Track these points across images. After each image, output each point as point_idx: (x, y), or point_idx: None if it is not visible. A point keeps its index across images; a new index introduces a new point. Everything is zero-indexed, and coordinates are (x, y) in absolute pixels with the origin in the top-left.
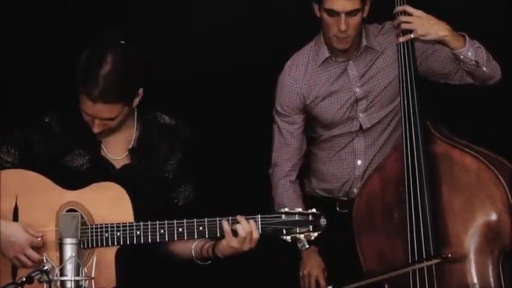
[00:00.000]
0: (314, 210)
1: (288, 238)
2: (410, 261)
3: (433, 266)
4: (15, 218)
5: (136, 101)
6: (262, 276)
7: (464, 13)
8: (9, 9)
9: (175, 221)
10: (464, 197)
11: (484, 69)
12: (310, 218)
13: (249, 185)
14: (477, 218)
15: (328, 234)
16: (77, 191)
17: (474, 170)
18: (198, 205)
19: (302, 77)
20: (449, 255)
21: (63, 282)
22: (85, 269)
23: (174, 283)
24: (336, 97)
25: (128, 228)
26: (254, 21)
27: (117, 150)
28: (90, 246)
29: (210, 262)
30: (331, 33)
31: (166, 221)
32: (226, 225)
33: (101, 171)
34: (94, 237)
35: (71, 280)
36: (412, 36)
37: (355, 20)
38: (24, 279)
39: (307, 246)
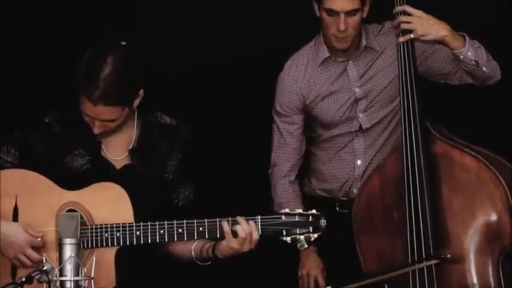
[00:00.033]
0: (314, 211)
1: (288, 239)
2: (410, 261)
3: (433, 266)
4: (15, 218)
5: (137, 102)
6: (262, 277)
7: (464, 13)
8: (9, 9)
9: (175, 222)
10: (464, 197)
11: (484, 69)
12: (310, 219)
13: (249, 185)
14: (477, 218)
15: (328, 235)
16: (77, 191)
17: (474, 170)
18: (198, 205)
19: (302, 77)
20: (448, 256)
21: (62, 282)
22: (84, 269)
23: (174, 284)
24: (335, 97)
25: (127, 228)
26: (254, 21)
27: (117, 151)
28: (89, 246)
29: (209, 263)
30: (330, 33)
31: (166, 222)
32: (226, 226)
33: (101, 172)
34: (94, 237)
35: (71, 280)
36: (411, 36)
37: (355, 19)
38: (23, 279)
39: (306, 246)
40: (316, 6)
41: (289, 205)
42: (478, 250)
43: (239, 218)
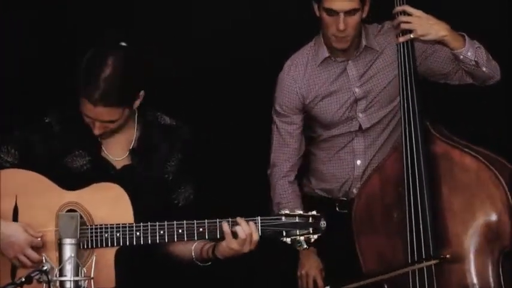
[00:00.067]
0: (314, 212)
1: (288, 240)
2: (410, 261)
3: (433, 267)
4: (15, 218)
5: (137, 103)
6: (262, 277)
7: (464, 13)
8: (9, 9)
9: (175, 222)
10: (464, 197)
11: (484, 69)
12: (311, 220)
13: (249, 185)
14: (477, 218)
15: (328, 235)
16: (77, 192)
17: (474, 170)
18: (198, 206)
19: (301, 76)
20: (448, 256)
21: (62, 283)
22: (84, 269)
23: (174, 284)
24: (335, 97)
25: (127, 229)
26: (254, 21)
27: (117, 151)
28: (89, 246)
29: (209, 263)
30: (330, 33)
31: (166, 222)
32: (226, 227)
33: (101, 172)
34: (94, 237)
35: (70, 280)
36: (411, 36)
37: (354, 19)
38: (23, 279)
39: (305, 246)
40: (315, 6)
41: (289, 205)
42: (478, 250)
43: (239, 219)
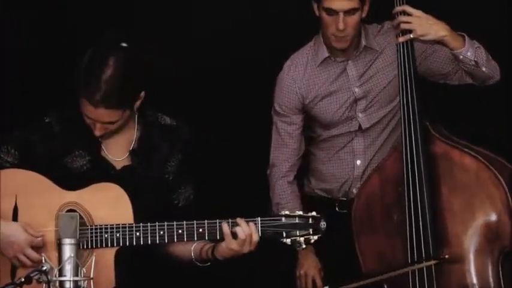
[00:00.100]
0: (314, 213)
1: (288, 241)
2: (409, 261)
3: (433, 267)
4: (15, 218)
5: (138, 103)
6: (261, 278)
7: (464, 13)
8: (9, 9)
9: (175, 223)
10: (464, 197)
11: (484, 69)
12: (310, 221)
13: (249, 186)
14: (477, 218)
15: (328, 235)
16: (77, 192)
17: (473, 170)
18: (198, 206)
19: (301, 76)
20: (447, 256)
21: (61, 283)
22: (84, 269)
23: (174, 284)
24: (335, 97)
25: (127, 229)
26: (254, 21)
27: (117, 151)
28: (89, 246)
29: (209, 264)
30: (329, 32)
31: (166, 223)
32: (226, 228)
33: (101, 172)
34: (93, 238)
35: (70, 280)
36: (411, 36)
37: (354, 19)
38: (22, 279)
39: (304, 246)
40: (315, 6)
41: (288, 206)
42: (478, 250)
43: (239, 220)
